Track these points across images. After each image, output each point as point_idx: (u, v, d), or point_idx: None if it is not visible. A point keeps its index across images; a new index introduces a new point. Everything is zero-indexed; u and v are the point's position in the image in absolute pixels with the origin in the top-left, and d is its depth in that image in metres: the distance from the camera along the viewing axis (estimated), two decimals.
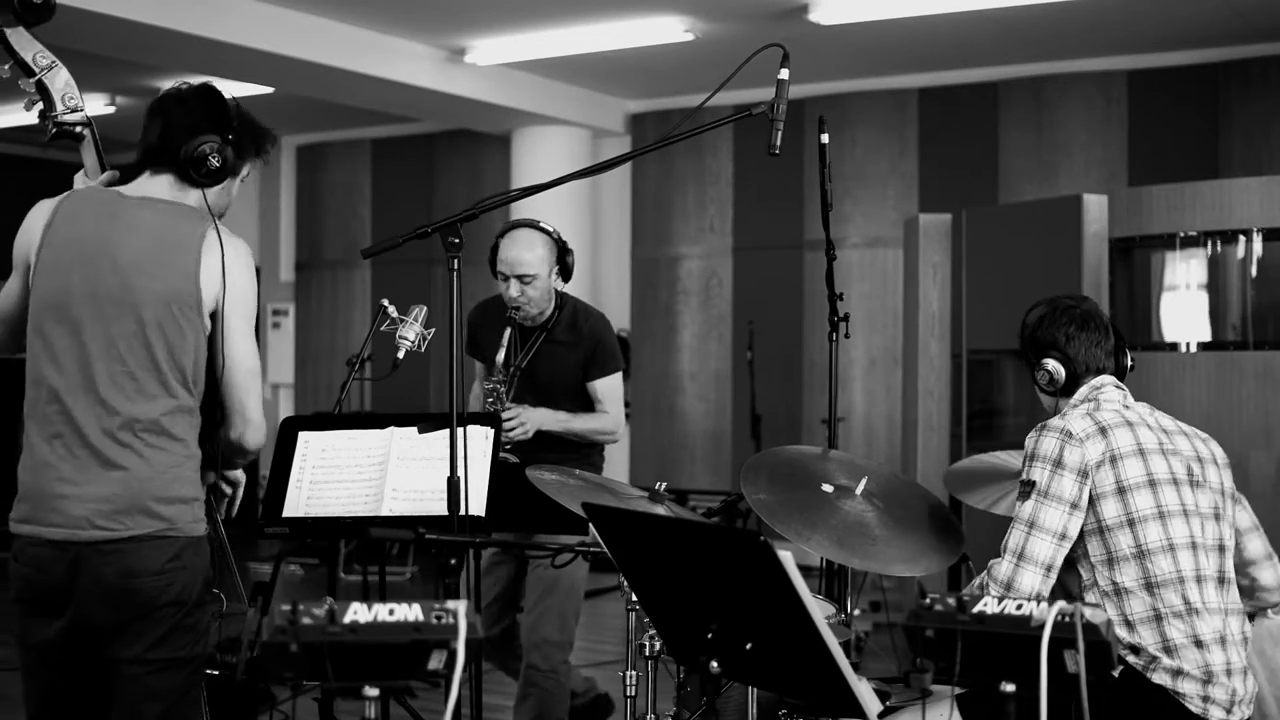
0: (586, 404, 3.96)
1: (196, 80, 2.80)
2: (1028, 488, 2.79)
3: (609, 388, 3.95)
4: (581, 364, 3.92)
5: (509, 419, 3.77)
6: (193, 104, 2.68)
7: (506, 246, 3.86)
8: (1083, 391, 2.95)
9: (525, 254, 3.81)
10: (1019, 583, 2.73)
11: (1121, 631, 2.76)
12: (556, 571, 3.78)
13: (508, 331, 3.86)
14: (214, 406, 2.65)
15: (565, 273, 3.91)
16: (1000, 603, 1.82)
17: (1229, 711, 2.71)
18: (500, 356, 3.84)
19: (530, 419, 3.81)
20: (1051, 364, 2.96)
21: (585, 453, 3.97)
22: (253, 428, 2.66)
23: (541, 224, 3.91)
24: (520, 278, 3.81)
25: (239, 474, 2.84)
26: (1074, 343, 2.96)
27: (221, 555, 2.77)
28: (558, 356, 3.93)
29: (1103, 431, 2.80)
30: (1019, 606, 1.81)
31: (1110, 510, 2.75)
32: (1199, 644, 2.72)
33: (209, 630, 2.65)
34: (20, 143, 10.26)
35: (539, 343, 3.94)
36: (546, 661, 3.84)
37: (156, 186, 2.66)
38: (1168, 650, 2.73)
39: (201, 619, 2.60)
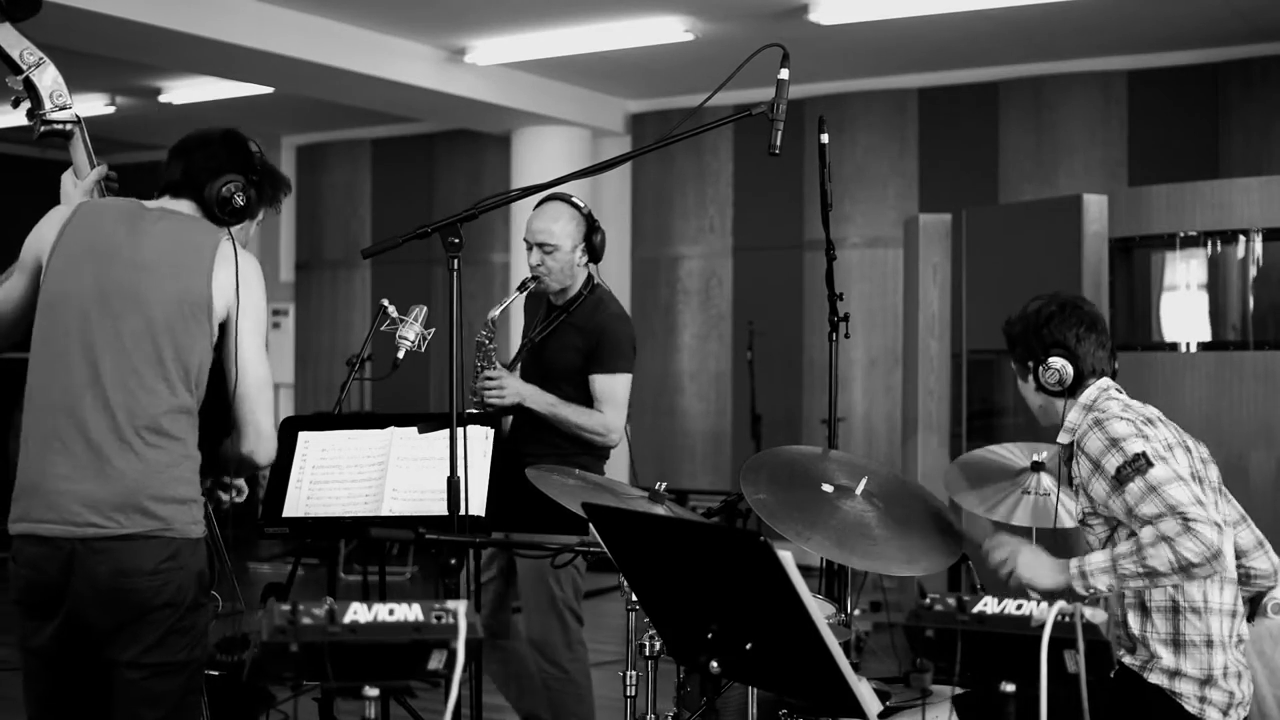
0: (588, 397, 3.86)
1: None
2: (1140, 460, 2.67)
3: (607, 387, 3.83)
4: (584, 353, 3.83)
5: (490, 380, 3.74)
6: (216, 147, 2.71)
7: (535, 217, 3.86)
8: (1090, 393, 2.88)
9: (550, 225, 3.81)
10: (1212, 514, 2.59)
11: (1133, 617, 2.75)
12: (548, 574, 3.77)
13: (515, 294, 3.85)
14: (215, 413, 2.65)
15: (592, 252, 3.87)
16: (1000, 603, 1.82)
17: (1225, 714, 2.71)
18: (495, 312, 3.81)
19: (511, 387, 3.76)
20: (1059, 363, 2.87)
21: (583, 461, 3.80)
22: (264, 441, 2.68)
23: (574, 199, 3.89)
24: (541, 246, 3.80)
25: (240, 481, 2.84)
26: (1084, 343, 2.88)
27: (218, 557, 2.77)
28: (566, 339, 3.86)
29: (1148, 423, 2.78)
30: (1019, 606, 1.81)
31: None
32: (1209, 644, 2.71)
33: (207, 632, 2.65)
34: (17, 142, 10.26)
35: (557, 322, 3.89)
36: (552, 663, 3.85)
37: (178, 206, 2.70)
38: (1176, 644, 2.72)
39: (199, 621, 2.60)
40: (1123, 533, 2.75)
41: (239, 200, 2.66)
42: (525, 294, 3.90)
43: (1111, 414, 2.77)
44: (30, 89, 2.80)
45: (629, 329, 3.93)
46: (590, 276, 3.93)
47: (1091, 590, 2.67)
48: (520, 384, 3.79)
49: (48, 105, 2.81)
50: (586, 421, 3.80)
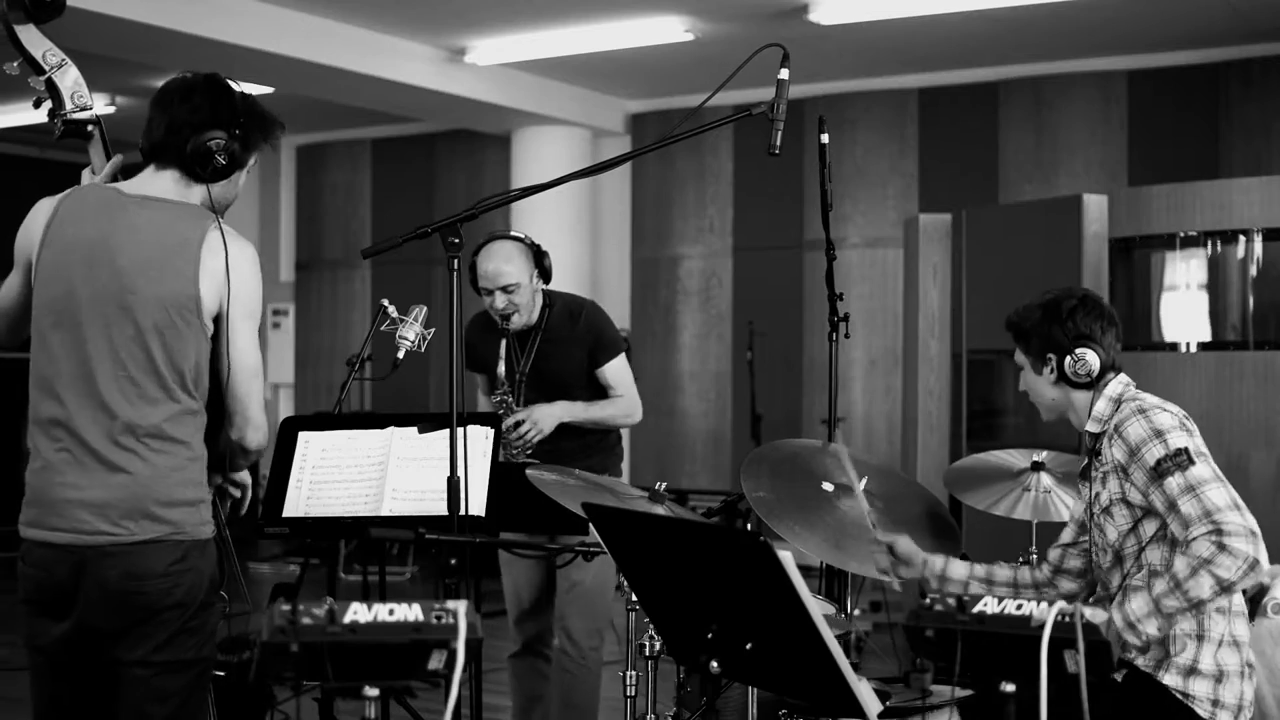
0: (599, 392, 3.99)
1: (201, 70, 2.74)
2: (1182, 455, 2.65)
3: (617, 371, 3.99)
4: (587, 356, 3.96)
5: (521, 425, 3.78)
6: (198, 99, 2.62)
7: (484, 261, 3.87)
8: (1115, 387, 2.86)
9: (504, 265, 3.83)
10: (1248, 519, 2.56)
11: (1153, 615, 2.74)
12: (583, 567, 3.81)
13: (503, 343, 3.88)
14: (219, 408, 2.64)
15: (545, 275, 3.94)
16: (1000, 603, 1.82)
17: (1236, 717, 2.70)
18: (501, 369, 3.86)
19: (542, 416, 3.82)
20: (1090, 355, 2.83)
21: (600, 437, 4.01)
22: (253, 428, 2.65)
23: (512, 233, 3.95)
24: (504, 289, 3.83)
25: (244, 476, 2.83)
26: (1106, 336, 2.87)
27: (226, 556, 2.77)
28: (559, 352, 3.96)
29: (1188, 418, 2.76)
30: (1019, 606, 1.81)
31: None
32: (1235, 643, 2.71)
33: (215, 632, 2.65)
34: (23, 143, 10.25)
35: (537, 344, 3.97)
36: (575, 647, 3.92)
37: (160, 184, 2.63)
38: (1199, 638, 2.70)
39: (208, 621, 2.60)
40: (1148, 525, 2.74)
41: (220, 160, 2.60)
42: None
43: (1153, 405, 2.76)
44: (52, 89, 2.81)
45: (605, 313, 4.11)
46: (544, 291, 4.02)
47: (1144, 639, 2.63)
48: (545, 409, 3.85)
49: (69, 105, 2.82)
50: (616, 410, 4.00)
